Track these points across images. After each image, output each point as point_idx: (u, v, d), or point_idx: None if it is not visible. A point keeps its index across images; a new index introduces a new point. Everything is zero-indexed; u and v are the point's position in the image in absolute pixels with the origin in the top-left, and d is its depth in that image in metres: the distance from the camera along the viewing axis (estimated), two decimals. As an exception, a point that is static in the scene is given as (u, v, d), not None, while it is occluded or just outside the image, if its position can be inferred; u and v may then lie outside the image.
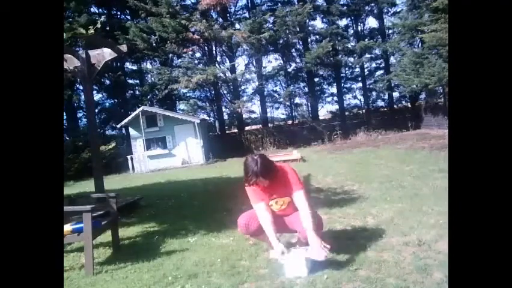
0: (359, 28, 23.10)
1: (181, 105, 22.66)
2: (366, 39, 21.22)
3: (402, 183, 5.82)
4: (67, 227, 3.24)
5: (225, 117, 23.39)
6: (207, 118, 22.19)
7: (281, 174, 2.92)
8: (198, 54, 21.75)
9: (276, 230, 2.87)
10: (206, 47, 21.25)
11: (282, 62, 22.55)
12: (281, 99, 23.63)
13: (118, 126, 18.03)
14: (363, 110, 23.10)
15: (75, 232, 3.23)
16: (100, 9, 22.06)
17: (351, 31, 22.97)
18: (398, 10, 20.90)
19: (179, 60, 21.18)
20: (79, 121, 22.09)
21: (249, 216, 3.04)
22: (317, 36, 21.64)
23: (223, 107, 22.42)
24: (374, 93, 23.19)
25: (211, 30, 18.35)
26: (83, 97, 20.27)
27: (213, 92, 21.92)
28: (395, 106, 22.85)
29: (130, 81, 23.55)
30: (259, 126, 23.56)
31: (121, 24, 20.21)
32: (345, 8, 21.15)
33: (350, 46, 21.02)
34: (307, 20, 20.44)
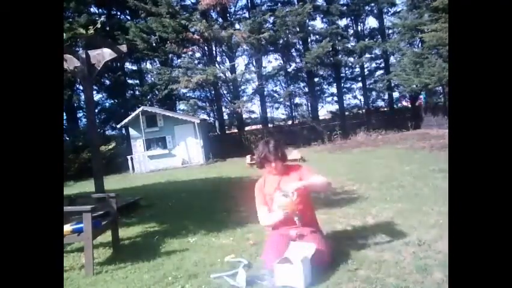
0: (359, 28, 23.13)
1: (181, 105, 22.67)
2: (366, 39, 21.23)
3: (402, 183, 5.82)
4: (67, 227, 3.24)
5: (225, 117, 23.39)
6: (207, 118, 22.19)
7: (294, 170, 3.07)
8: (197, 54, 21.79)
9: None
10: (206, 47, 21.25)
11: (282, 62, 22.56)
12: (281, 99, 23.65)
13: (118, 126, 18.02)
14: (363, 110, 23.10)
15: (75, 232, 3.23)
16: (100, 9, 22.05)
17: (351, 31, 23.00)
18: (398, 10, 20.93)
19: (179, 60, 21.17)
20: (79, 121, 22.09)
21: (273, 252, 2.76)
22: (317, 36, 21.64)
23: (223, 107, 22.41)
24: (374, 93, 23.20)
25: (211, 30, 18.34)
26: (83, 97, 20.29)
27: (213, 92, 21.92)
28: (395, 106, 22.85)
29: (130, 81, 23.56)
30: (259, 126, 23.55)
31: (121, 24, 20.21)
32: (345, 8, 21.14)
33: (350, 46, 21.03)
34: (307, 20, 20.44)
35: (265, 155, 2.95)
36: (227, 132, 22.76)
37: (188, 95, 22.01)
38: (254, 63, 21.95)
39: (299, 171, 3.06)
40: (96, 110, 20.48)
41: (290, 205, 2.69)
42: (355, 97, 24.35)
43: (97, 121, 19.46)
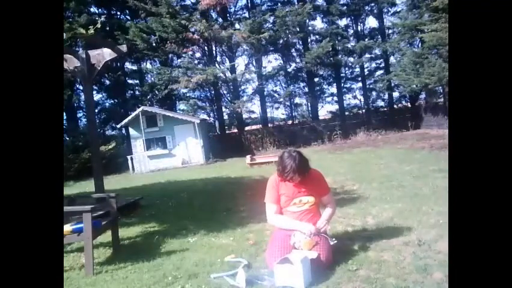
0: (359, 28, 23.09)
1: (181, 105, 22.67)
2: (366, 39, 21.21)
3: (402, 183, 5.82)
4: (67, 227, 3.24)
5: (225, 117, 23.38)
6: (207, 118, 22.18)
7: (313, 174, 3.04)
8: (197, 54, 21.76)
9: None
10: (206, 47, 21.23)
11: (282, 62, 22.55)
12: (281, 99, 23.63)
13: (118, 126, 18.01)
14: (363, 110, 23.08)
15: (75, 232, 3.23)
16: (100, 9, 22.05)
17: (351, 31, 22.97)
18: (398, 10, 20.91)
19: (179, 60, 21.16)
20: (79, 121, 22.10)
21: (276, 253, 2.76)
22: (317, 36, 21.63)
23: (223, 107, 22.40)
24: (374, 93, 23.19)
25: (211, 30, 18.32)
26: (83, 97, 20.28)
27: (213, 92, 21.90)
28: (395, 106, 22.85)
29: (130, 81, 23.54)
30: (259, 126, 23.53)
31: (121, 24, 20.20)
32: (345, 8, 21.13)
33: (350, 46, 21.00)
34: (307, 20, 20.42)
35: (290, 171, 2.78)
36: (227, 132, 22.76)
37: (188, 95, 22.00)
38: (254, 63, 21.93)
39: (318, 178, 3.06)
40: (96, 110, 20.49)
41: (309, 245, 2.75)
42: (355, 97, 24.33)
43: (97, 121, 19.47)
